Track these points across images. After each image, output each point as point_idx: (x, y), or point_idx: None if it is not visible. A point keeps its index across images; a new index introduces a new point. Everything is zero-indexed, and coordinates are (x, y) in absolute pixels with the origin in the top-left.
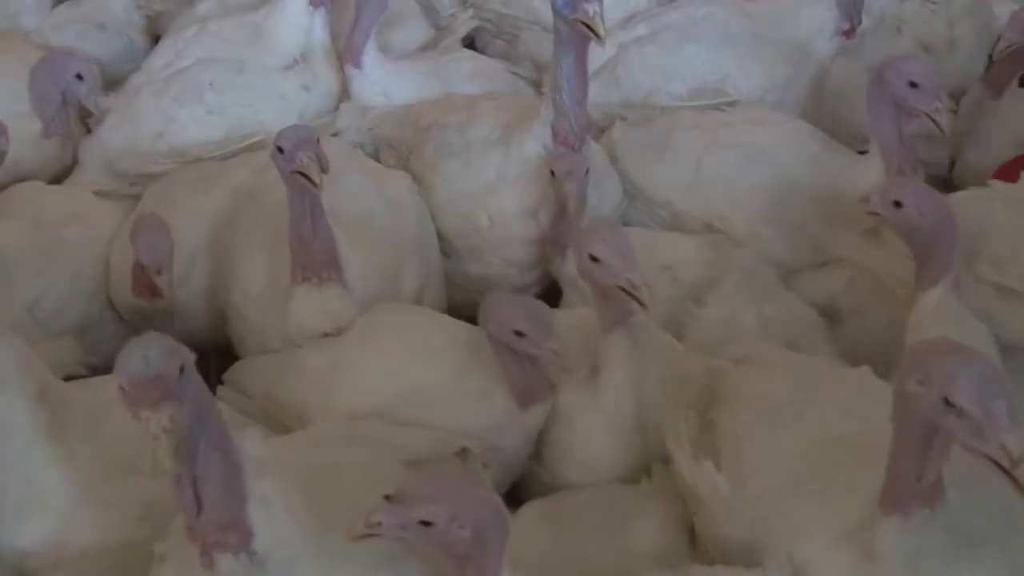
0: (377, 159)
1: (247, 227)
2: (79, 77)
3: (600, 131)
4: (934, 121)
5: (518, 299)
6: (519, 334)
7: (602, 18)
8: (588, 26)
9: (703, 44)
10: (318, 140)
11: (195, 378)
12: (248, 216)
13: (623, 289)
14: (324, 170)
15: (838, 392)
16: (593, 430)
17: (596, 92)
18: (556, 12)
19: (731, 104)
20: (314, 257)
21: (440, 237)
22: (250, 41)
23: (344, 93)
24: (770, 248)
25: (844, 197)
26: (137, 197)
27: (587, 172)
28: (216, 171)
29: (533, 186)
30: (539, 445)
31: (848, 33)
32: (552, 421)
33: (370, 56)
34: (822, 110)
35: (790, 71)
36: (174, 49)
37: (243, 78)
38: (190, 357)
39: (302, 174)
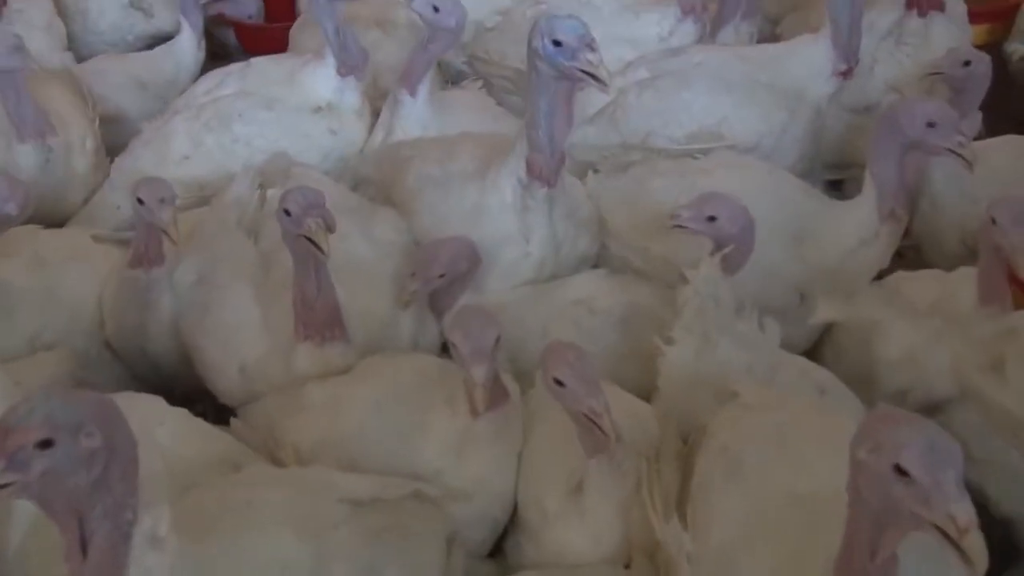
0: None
1: (238, 282)
2: None
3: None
4: (958, 155)
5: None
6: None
7: (604, 64)
8: (591, 75)
9: (701, 89)
10: (325, 203)
11: (75, 455)
12: (238, 270)
13: (585, 416)
14: (330, 231)
15: (813, 445)
16: (573, 542)
17: (594, 134)
18: (546, 59)
19: (727, 147)
20: (318, 317)
21: None
22: (285, 82)
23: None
24: (748, 294)
25: (832, 244)
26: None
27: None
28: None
29: (508, 217)
30: (519, 531)
31: (846, 74)
32: (538, 522)
33: (424, 88)
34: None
35: (786, 115)
36: (217, 79)
37: (272, 114)
38: (79, 434)
39: (309, 239)
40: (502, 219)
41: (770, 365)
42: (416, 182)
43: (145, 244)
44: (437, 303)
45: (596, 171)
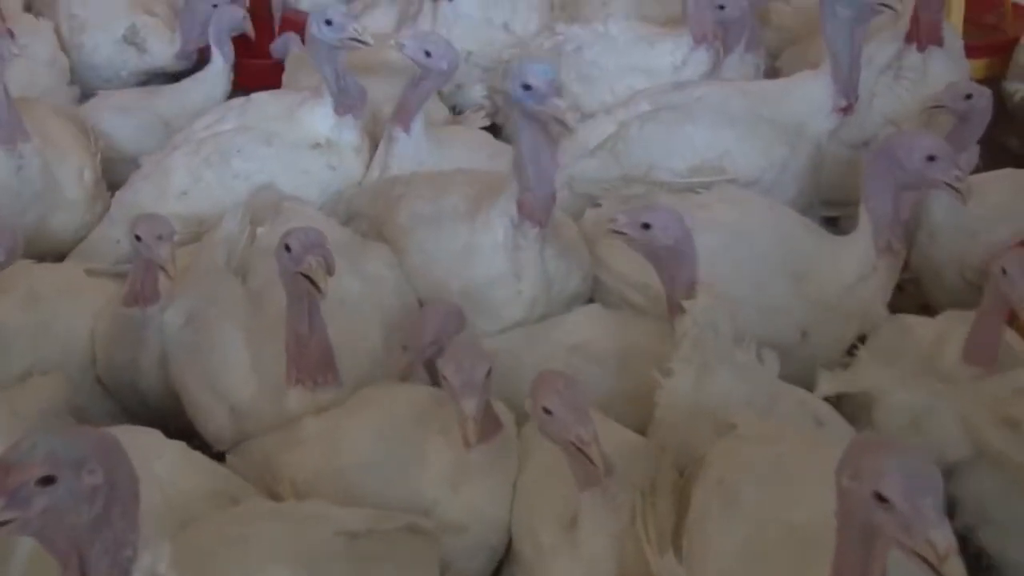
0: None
1: (227, 323)
2: None
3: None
4: (955, 189)
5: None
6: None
7: (571, 112)
8: (558, 119)
9: (703, 123)
10: (327, 243)
11: (77, 492)
12: (227, 311)
13: (573, 445)
14: (330, 272)
15: (811, 478)
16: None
17: (596, 167)
18: (518, 104)
19: (728, 181)
20: (310, 359)
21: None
22: (284, 117)
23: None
24: (749, 331)
25: (831, 280)
26: (124, 275)
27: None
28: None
29: (499, 257)
30: (514, 564)
31: (846, 110)
32: (533, 555)
33: (418, 124)
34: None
35: (787, 150)
36: (218, 114)
37: (271, 149)
38: (81, 471)
39: (307, 277)
40: (493, 258)
41: (769, 396)
42: (407, 220)
43: (141, 282)
44: (431, 366)
45: (597, 205)
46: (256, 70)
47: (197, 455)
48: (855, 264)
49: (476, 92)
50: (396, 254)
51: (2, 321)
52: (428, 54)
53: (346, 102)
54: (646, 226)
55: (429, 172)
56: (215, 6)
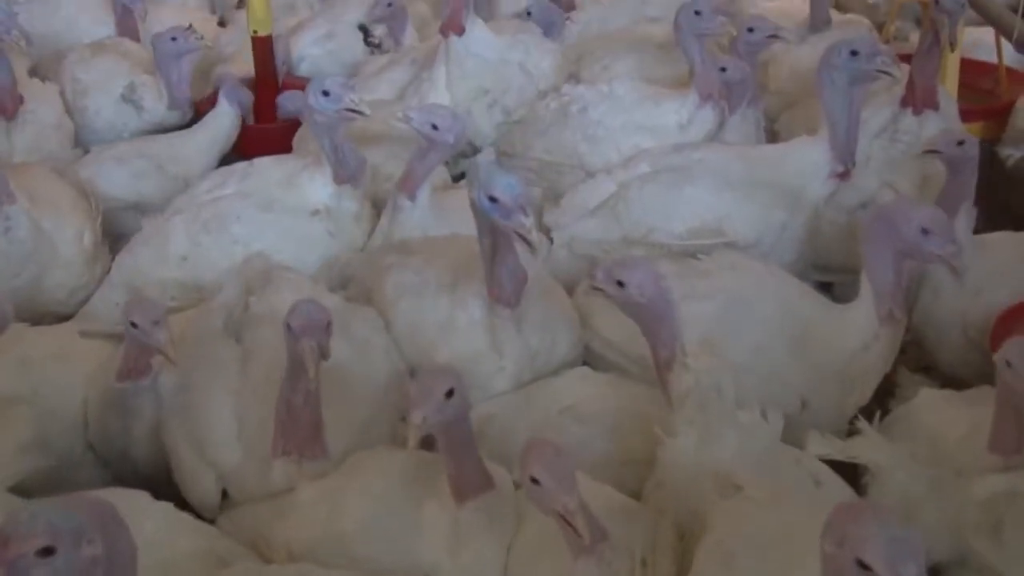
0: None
1: (217, 390)
2: None
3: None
4: (949, 264)
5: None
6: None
7: (537, 230)
8: (522, 236)
9: (702, 185)
10: (329, 324)
11: (76, 563)
12: (218, 378)
13: (560, 515)
14: (324, 357)
15: (809, 543)
16: None
17: (596, 227)
18: (483, 212)
19: (727, 244)
20: (300, 433)
21: None
22: (284, 184)
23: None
24: (749, 399)
25: (833, 348)
26: (119, 336)
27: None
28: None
29: (478, 333)
30: None
31: (843, 176)
32: None
33: (424, 192)
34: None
35: (786, 214)
36: (220, 178)
37: (270, 215)
38: (81, 541)
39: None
40: (472, 335)
41: (771, 456)
42: (393, 290)
43: (134, 360)
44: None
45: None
46: (260, 134)
47: (185, 516)
48: (857, 332)
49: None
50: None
51: None
52: (435, 127)
53: (344, 172)
54: (620, 284)
55: (421, 239)
56: (173, 39)
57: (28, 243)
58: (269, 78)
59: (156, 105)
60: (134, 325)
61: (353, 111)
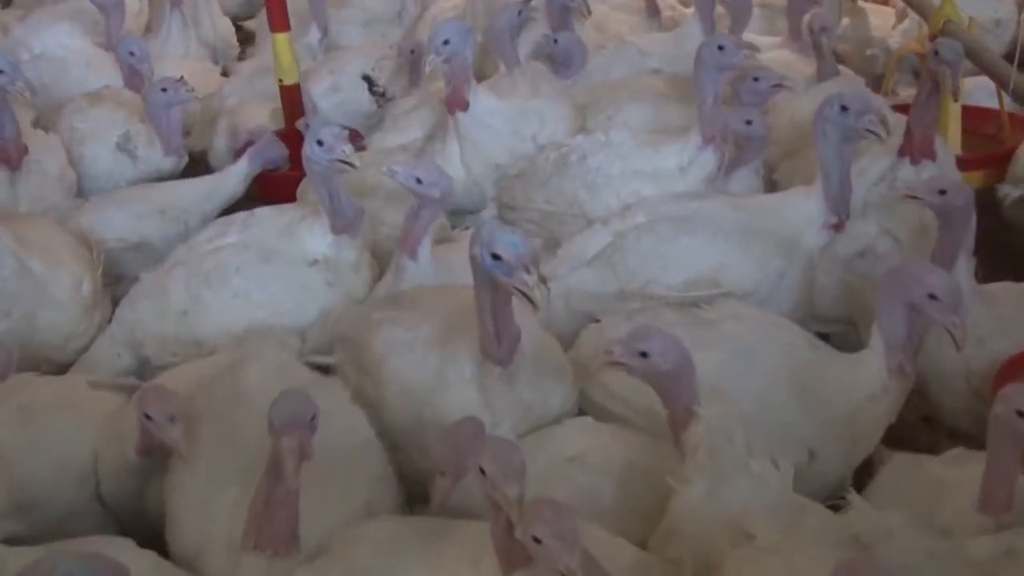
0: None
1: (200, 462)
2: None
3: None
4: (950, 334)
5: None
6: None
7: (541, 286)
8: (526, 295)
9: (699, 236)
10: (314, 418)
11: None
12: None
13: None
14: (306, 457)
15: None
16: None
17: (592, 278)
18: (485, 270)
19: (725, 295)
20: (275, 528)
21: (392, 430)
22: (283, 233)
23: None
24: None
25: (840, 399)
26: (128, 388)
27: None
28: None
29: (469, 391)
30: None
31: (836, 227)
32: None
33: (425, 249)
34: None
35: (782, 263)
36: (221, 227)
37: (269, 267)
38: None
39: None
40: (463, 392)
41: (783, 504)
42: (382, 347)
43: (148, 444)
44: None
45: (597, 321)
46: (277, 180)
47: (168, 565)
48: (865, 383)
49: (485, 213)
50: (371, 383)
51: None
52: (419, 180)
53: (341, 222)
54: (644, 354)
55: (411, 291)
56: (163, 90)
57: (11, 281)
58: (292, 130)
59: (150, 153)
60: (148, 417)
61: (344, 162)
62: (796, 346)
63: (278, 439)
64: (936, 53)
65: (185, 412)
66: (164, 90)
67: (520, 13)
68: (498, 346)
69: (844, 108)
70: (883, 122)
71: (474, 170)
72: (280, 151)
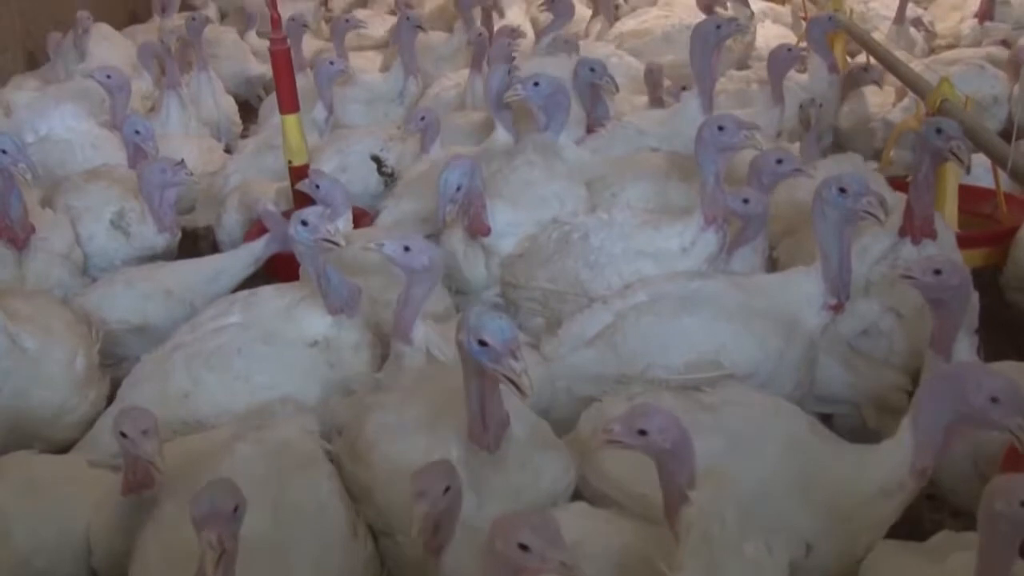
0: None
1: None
2: None
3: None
4: (1015, 436)
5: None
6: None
7: (528, 374)
8: (512, 381)
9: (699, 316)
10: (236, 509)
11: None
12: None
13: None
14: (225, 550)
15: None
16: None
17: (592, 358)
18: (472, 356)
19: (726, 377)
20: None
21: (383, 514)
22: (283, 314)
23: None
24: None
25: (848, 491)
26: None
27: (446, 490)
28: None
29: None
30: None
31: (836, 308)
32: None
33: (419, 331)
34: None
35: (782, 343)
36: (224, 306)
37: (270, 349)
38: None
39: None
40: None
41: None
42: (373, 432)
43: (133, 472)
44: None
45: (598, 401)
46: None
47: None
48: (882, 477)
49: (489, 294)
50: (364, 467)
51: (3, 507)
52: (407, 248)
53: (335, 301)
54: (643, 432)
55: (402, 378)
56: (163, 171)
57: (3, 359)
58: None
59: (143, 230)
60: (123, 435)
61: (329, 241)
62: (799, 435)
63: (198, 533)
64: (939, 131)
65: (158, 430)
66: (164, 171)
67: (509, 72)
68: (484, 431)
69: (842, 190)
70: (881, 203)
71: (493, 262)
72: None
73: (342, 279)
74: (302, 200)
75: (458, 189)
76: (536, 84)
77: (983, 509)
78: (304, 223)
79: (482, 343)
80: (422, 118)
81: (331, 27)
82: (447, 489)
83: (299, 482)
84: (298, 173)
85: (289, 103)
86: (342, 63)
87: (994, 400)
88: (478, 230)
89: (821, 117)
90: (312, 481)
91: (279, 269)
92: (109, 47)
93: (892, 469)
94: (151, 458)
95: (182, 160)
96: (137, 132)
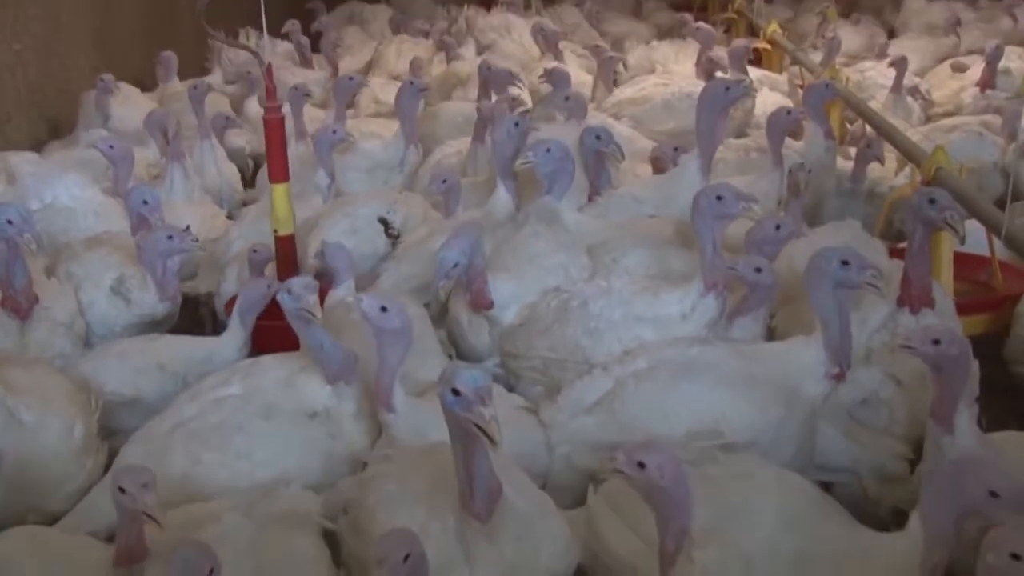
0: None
1: None
2: None
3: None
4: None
5: None
6: None
7: (498, 423)
8: (482, 428)
9: (700, 383)
10: (211, 572)
11: None
12: None
13: None
14: None
15: None
16: None
17: (592, 427)
18: (447, 407)
19: (727, 446)
20: None
21: None
22: (282, 385)
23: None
24: None
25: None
26: None
27: (406, 558)
28: None
29: (450, 545)
30: None
31: (838, 377)
32: None
33: (399, 398)
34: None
35: (783, 411)
36: (224, 376)
37: (270, 423)
38: None
39: None
40: (443, 545)
41: None
42: (374, 502)
43: (127, 539)
44: None
45: (596, 483)
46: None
47: None
48: (901, 564)
49: (489, 365)
50: (365, 541)
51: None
52: (384, 309)
53: (331, 370)
54: (641, 465)
55: (406, 449)
56: (169, 237)
57: (0, 433)
58: (291, 275)
59: (143, 297)
60: (122, 490)
61: (307, 312)
62: (804, 512)
63: None
64: (932, 201)
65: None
66: (170, 238)
67: (517, 124)
68: (475, 500)
69: (845, 263)
70: (881, 275)
71: (497, 331)
72: (261, 292)
73: (336, 345)
74: (286, 269)
75: (455, 266)
76: (548, 150)
77: (979, 563)
78: (289, 291)
79: (455, 392)
80: (444, 181)
81: (333, 87)
82: (407, 557)
83: (283, 551)
84: (283, 243)
85: (279, 172)
86: (342, 131)
87: (993, 494)
88: (480, 304)
89: (815, 184)
90: (297, 550)
91: (263, 346)
92: (133, 108)
93: (903, 566)
94: (150, 511)
95: (188, 227)
96: (145, 202)
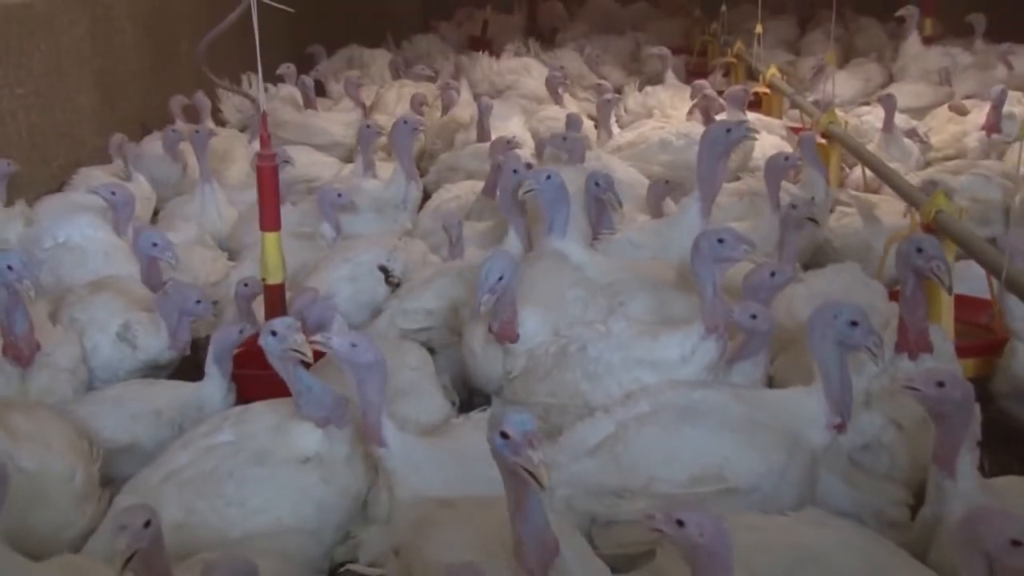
0: None
1: None
2: None
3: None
4: None
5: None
6: None
7: (547, 466)
8: (531, 473)
9: (702, 428)
10: (147, 523)
11: None
12: None
13: None
14: None
15: None
16: None
17: (594, 469)
18: (496, 451)
19: (730, 491)
20: None
21: None
22: (275, 430)
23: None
24: None
25: None
26: None
27: (147, 524)
28: None
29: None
30: None
31: (839, 427)
32: None
33: (390, 432)
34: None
35: (785, 457)
36: (216, 423)
37: (263, 470)
38: None
39: None
40: None
41: None
42: (433, 550)
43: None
44: None
45: (596, 524)
46: (261, 381)
47: None
48: None
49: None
50: None
51: None
52: (353, 345)
53: (319, 412)
54: (680, 523)
55: (480, 498)
56: (198, 302)
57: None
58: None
59: (150, 343)
60: (123, 528)
61: (297, 351)
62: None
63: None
64: (919, 250)
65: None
66: (198, 302)
67: (516, 172)
68: (528, 554)
69: (854, 324)
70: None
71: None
72: (231, 337)
73: (325, 388)
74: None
75: (500, 279)
76: (548, 177)
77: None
78: (273, 333)
79: (503, 435)
80: (455, 223)
81: (358, 136)
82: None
83: None
84: (272, 292)
85: (270, 221)
86: (347, 196)
87: (1015, 543)
88: (507, 336)
89: (807, 230)
90: None
91: (248, 395)
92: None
93: None
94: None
95: (216, 302)
96: (154, 244)
